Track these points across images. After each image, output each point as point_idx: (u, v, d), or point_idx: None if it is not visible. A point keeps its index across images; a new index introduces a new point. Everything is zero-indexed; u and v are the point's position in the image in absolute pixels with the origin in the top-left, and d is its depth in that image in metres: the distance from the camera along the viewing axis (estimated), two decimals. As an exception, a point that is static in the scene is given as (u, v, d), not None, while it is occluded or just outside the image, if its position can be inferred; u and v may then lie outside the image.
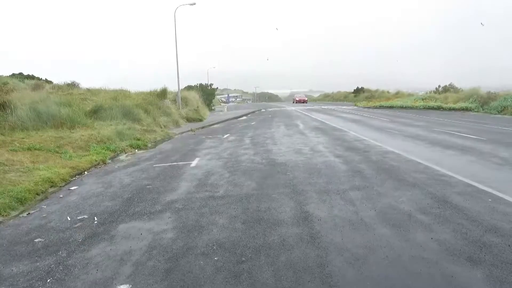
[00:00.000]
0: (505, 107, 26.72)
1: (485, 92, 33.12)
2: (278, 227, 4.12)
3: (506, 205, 4.57)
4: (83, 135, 10.67)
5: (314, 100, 74.48)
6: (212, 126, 18.43)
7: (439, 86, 45.58)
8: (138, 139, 11.89)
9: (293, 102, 52.68)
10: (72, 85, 25.42)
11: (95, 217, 4.82)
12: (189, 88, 36.47)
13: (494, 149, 8.76)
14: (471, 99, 32.33)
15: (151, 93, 19.75)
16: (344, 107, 35.93)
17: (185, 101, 23.75)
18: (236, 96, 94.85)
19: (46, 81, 29.32)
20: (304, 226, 4.13)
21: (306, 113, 25.43)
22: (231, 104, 66.20)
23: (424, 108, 32.21)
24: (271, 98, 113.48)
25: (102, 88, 24.32)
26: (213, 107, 38.48)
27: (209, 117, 25.14)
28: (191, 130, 16.02)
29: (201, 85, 36.48)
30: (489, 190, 5.23)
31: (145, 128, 13.64)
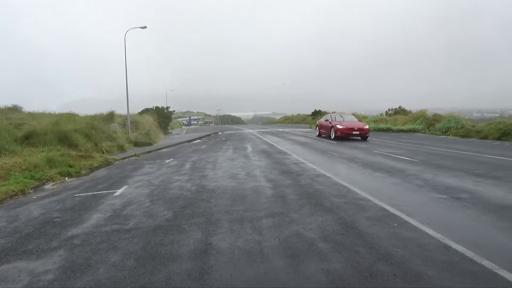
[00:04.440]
0: (448, 128, 28.32)
1: (431, 114, 35.03)
2: (171, 263, 3.87)
3: (408, 230, 4.60)
4: (5, 163, 9.94)
5: (275, 122, 75.50)
6: (160, 150, 17.95)
7: (389, 109, 47.67)
8: (71, 166, 11.26)
9: (331, 133, 20.25)
10: (14, 109, 24.11)
11: (-24, 258, 4.33)
12: (146, 111, 35.79)
13: (421, 170, 9.06)
14: (418, 121, 34.05)
15: (96, 117, 19.07)
16: (300, 129, 36.57)
17: (136, 125, 23.14)
18: (198, 119, 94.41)
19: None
20: (199, 260, 3.91)
21: (260, 136, 25.54)
22: (192, 126, 65.60)
23: (374, 129, 33.45)
24: (234, 120, 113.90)
25: (47, 112, 23.26)
26: (170, 130, 37.89)
27: (162, 140, 24.60)
28: (135, 155, 15.48)
29: (157, 108, 35.88)
30: (399, 214, 5.28)
31: (82, 154, 12.98)
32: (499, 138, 21.05)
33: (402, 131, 32.18)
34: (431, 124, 31.75)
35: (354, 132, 19.55)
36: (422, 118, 34.26)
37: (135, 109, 39.72)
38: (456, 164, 10.11)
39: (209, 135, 29.24)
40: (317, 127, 23.87)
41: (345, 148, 15.25)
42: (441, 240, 4.19)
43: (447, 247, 3.98)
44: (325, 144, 17.74)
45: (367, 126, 20.53)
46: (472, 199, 6.08)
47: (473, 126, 26.37)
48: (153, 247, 4.39)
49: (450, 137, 25.45)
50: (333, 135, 20.01)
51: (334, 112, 25.40)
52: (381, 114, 48.81)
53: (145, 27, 24.15)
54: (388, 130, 33.01)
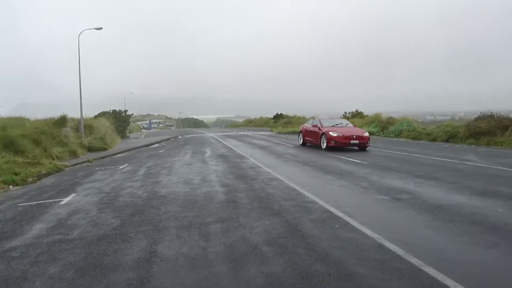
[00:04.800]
0: (401, 131, 29.69)
1: (386, 117, 36.60)
2: (112, 273, 3.81)
3: (349, 231, 4.83)
4: None
5: (238, 126, 75.80)
6: (115, 156, 17.46)
7: (345, 112, 49.21)
8: (16, 174, 10.68)
9: (322, 143, 16.34)
10: (-45, 113, 22.49)
11: None
12: (102, 114, 34.68)
13: (369, 173, 9.49)
14: (373, 124, 35.45)
15: (46, 121, 18.21)
16: (261, 133, 36.98)
17: (90, 129, 22.31)
18: (159, 122, 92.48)
19: None
20: (141, 269, 3.88)
21: (221, 140, 25.55)
22: (152, 130, 64.22)
23: (333, 132, 34.48)
24: (196, 123, 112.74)
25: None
26: (128, 134, 36.89)
27: (118, 145, 23.91)
28: (88, 161, 14.94)
29: (114, 111, 34.85)
30: (342, 215, 5.52)
31: (29, 161, 12.35)
32: (447, 140, 22.37)
33: (358, 134, 33.33)
34: (385, 127, 33.14)
35: (352, 141, 15.75)
36: (377, 121, 35.71)
37: (92, 112, 38.39)
38: (403, 166, 10.68)
39: (168, 139, 28.80)
40: (300, 134, 19.32)
41: (301, 152, 15.62)
42: (377, 240, 4.44)
43: (381, 247, 4.23)
44: (282, 147, 18.06)
45: (367, 134, 16.53)
46: (412, 200, 6.47)
47: (424, 129, 27.79)
48: (95, 257, 4.30)
49: (402, 139, 26.67)
50: (325, 144, 16.10)
51: (333, 117, 20.89)
52: (341, 117, 50.08)
53: (101, 28, 23.45)
54: (344, 133, 34.12)
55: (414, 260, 3.82)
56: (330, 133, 15.98)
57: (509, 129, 19.21)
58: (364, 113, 46.09)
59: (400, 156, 13.74)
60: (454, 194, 6.96)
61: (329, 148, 15.84)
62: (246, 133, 36.75)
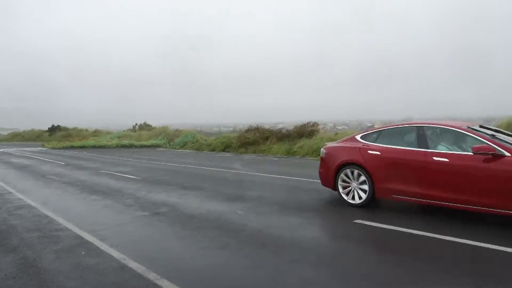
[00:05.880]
0: (185, 143, 31.44)
1: (173, 129, 38.06)
2: None
3: (94, 256, 4.59)
4: None
5: (0, 140, 62.01)
6: None
7: (136, 124, 48.53)
8: None
9: None
10: None
11: None
12: None
13: (139, 188, 9.50)
14: (160, 136, 36.21)
15: None
16: (28, 148, 31.56)
17: None
18: None
19: None
20: None
21: (-35, 160, 20.19)
22: None
23: (117, 146, 33.09)
24: None
25: None
26: None
27: None
28: None
29: None
30: (93, 240, 5.23)
31: None
32: (223, 150, 25.23)
33: (144, 146, 33.27)
34: (172, 139, 34.46)
35: None
36: (163, 134, 36.71)
37: None
38: (174, 179, 11.24)
39: None
40: (348, 171, 6.61)
41: (70, 170, 14.19)
42: (122, 260, 4.41)
43: (124, 267, 4.22)
44: (49, 166, 15.89)
45: None
46: (170, 213, 6.83)
47: (205, 140, 30.41)
48: None
49: (187, 150, 28.28)
50: None
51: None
52: (129, 130, 48.90)
53: None
54: (131, 146, 33.43)
55: (152, 275, 3.98)
56: None
57: (269, 139, 23.54)
58: (153, 125, 46.47)
59: (176, 168, 14.44)
60: (209, 202, 7.79)
61: None
62: (6, 149, 30.39)
